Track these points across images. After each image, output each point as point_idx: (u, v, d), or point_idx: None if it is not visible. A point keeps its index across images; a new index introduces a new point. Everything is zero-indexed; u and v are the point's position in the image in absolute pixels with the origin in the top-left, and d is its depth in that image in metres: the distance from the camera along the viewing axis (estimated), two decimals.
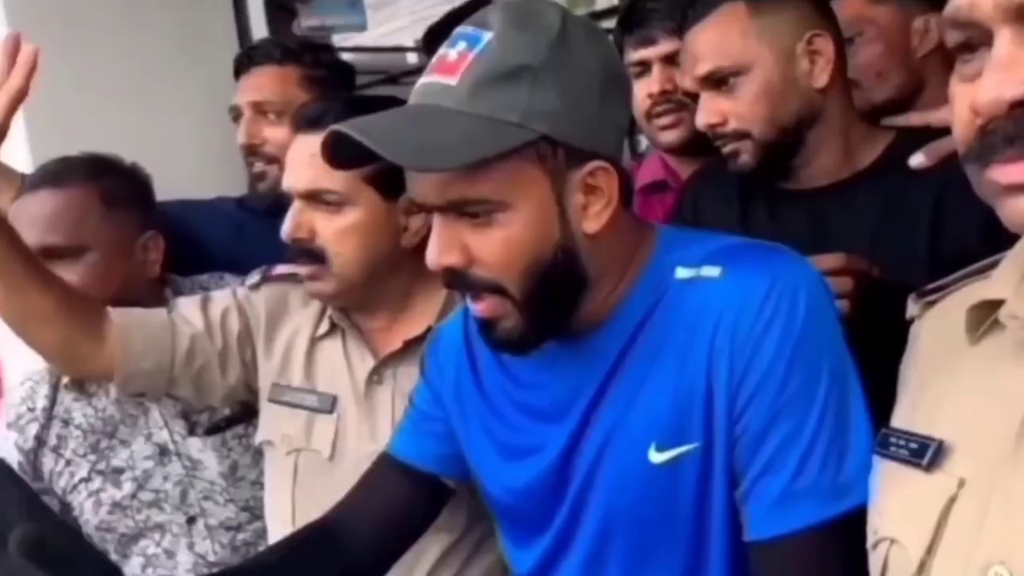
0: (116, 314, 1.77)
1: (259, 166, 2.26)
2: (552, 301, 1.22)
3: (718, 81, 1.68)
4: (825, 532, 1.14)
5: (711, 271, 1.23)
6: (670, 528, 1.25)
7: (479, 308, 1.24)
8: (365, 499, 1.50)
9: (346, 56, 2.91)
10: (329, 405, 1.77)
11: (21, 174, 2.17)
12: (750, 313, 1.18)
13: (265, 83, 2.26)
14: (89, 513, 2.05)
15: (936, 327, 1.05)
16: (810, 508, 1.15)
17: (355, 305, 1.78)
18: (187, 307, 1.84)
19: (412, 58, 4.18)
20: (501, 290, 1.21)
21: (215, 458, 2.04)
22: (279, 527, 1.78)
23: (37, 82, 1.58)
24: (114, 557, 2.05)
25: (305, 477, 1.78)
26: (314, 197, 1.66)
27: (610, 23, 2.43)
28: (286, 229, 1.68)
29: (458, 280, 1.22)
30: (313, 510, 1.53)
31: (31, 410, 2.07)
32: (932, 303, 1.07)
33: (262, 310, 1.85)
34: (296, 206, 1.68)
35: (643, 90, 2.19)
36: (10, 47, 1.57)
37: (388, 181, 1.55)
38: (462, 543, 1.72)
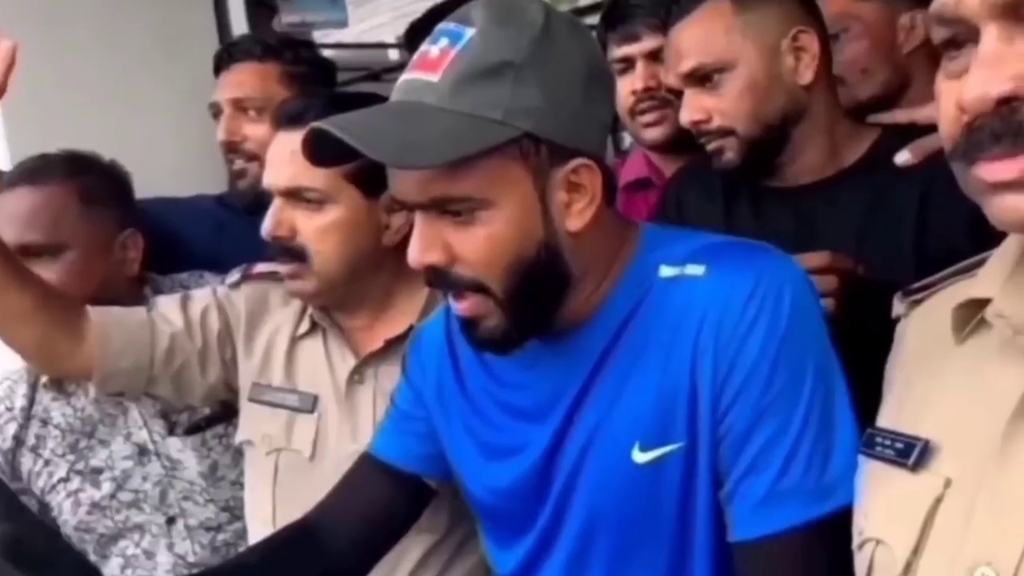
0: (95, 313, 1.77)
1: (239, 163, 2.24)
2: (535, 300, 1.22)
3: (702, 78, 1.67)
4: (810, 533, 1.14)
5: (695, 269, 1.22)
6: (654, 528, 1.25)
7: (461, 307, 1.23)
8: (346, 499, 1.49)
9: (327, 52, 2.88)
10: (310, 405, 1.76)
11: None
12: (734, 312, 1.17)
13: (245, 80, 2.24)
14: (68, 513, 2.04)
15: (922, 326, 1.04)
16: (795, 508, 1.15)
17: (336, 304, 1.78)
18: (167, 306, 1.84)
19: (393, 55, 4.16)
20: (483, 289, 1.20)
21: (195, 458, 2.03)
22: (259, 527, 1.77)
23: (16, 79, 1.56)
24: (93, 558, 2.04)
25: (286, 477, 1.77)
26: (295, 195, 1.65)
27: (593, 19, 2.43)
28: (266, 227, 1.67)
29: (440, 279, 1.21)
30: (294, 510, 1.52)
31: (9, 409, 2.05)
32: (918, 302, 1.06)
33: (242, 309, 1.84)
34: (276, 204, 1.67)
35: (627, 87, 2.18)
36: None
37: (369, 179, 1.54)
38: (444, 544, 1.71)
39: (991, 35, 0.78)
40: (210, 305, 1.83)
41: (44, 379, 2.05)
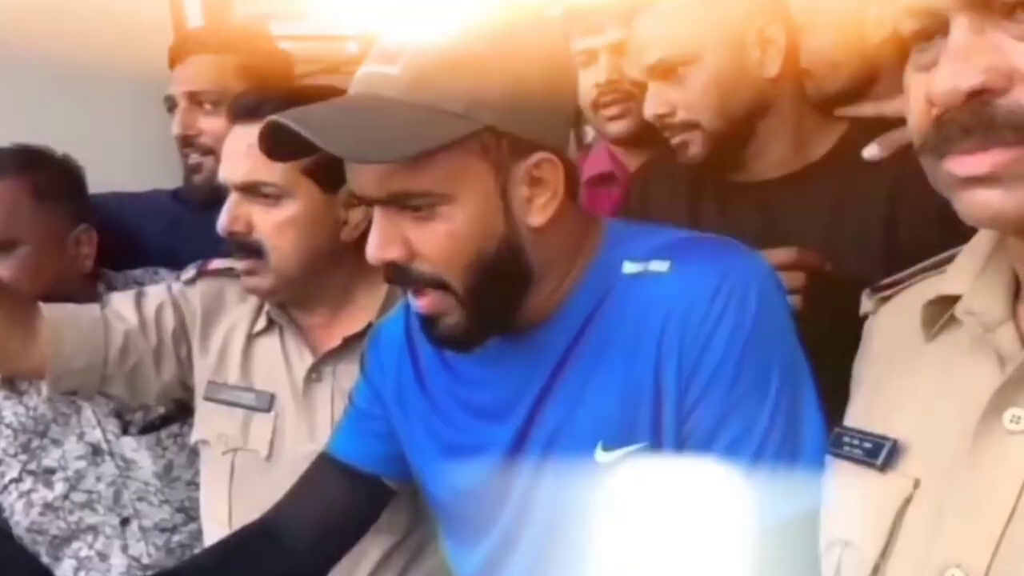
0: (48, 310, 1.74)
1: (195, 158, 2.22)
2: (496, 296, 1.20)
3: (667, 70, 1.66)
4: (777, 534, 1.12)
5: (659, 266, 1.21)
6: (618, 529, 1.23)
7: (421, 304, 1.21)
8: (304, 500, 1.48)
9: (285, 45, 2.87)
10: (266, 403, 1.74)
11: None
12: (700, 309, 1.16)
13: (201, 73, 2.21)
14: (20, 514, 2.02)
15: (891, 323, 1.04)
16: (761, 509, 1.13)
17: (293, 301, 1.76)
18: (120, 303, 1.81)
19: (352, 47, 4.15)
20: (444, 285, 1.18)
21: (149, 458, 2.02)
22: (215, 529, 1.75)
23: None
24: (46, 560, 2.03)
25: (242, 477, 1.75)
26: (251, 189, 1.63)
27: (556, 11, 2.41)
28: (222, 222, 1.65)
29: (399, 275, 1.20)
30: (250, 511, 1.50)
31: None
32: (887, 299, 1.06)
33: (198, 306, 1.82)
34: (233, 199, 1.65)
35: (590, 80, 2.17)
36: None
37: (327, 173, 1.53)
38: (404, 545, 1.70)
39: (961, 27, 0.77)
40: (165, 302, 1.81)
41: None
